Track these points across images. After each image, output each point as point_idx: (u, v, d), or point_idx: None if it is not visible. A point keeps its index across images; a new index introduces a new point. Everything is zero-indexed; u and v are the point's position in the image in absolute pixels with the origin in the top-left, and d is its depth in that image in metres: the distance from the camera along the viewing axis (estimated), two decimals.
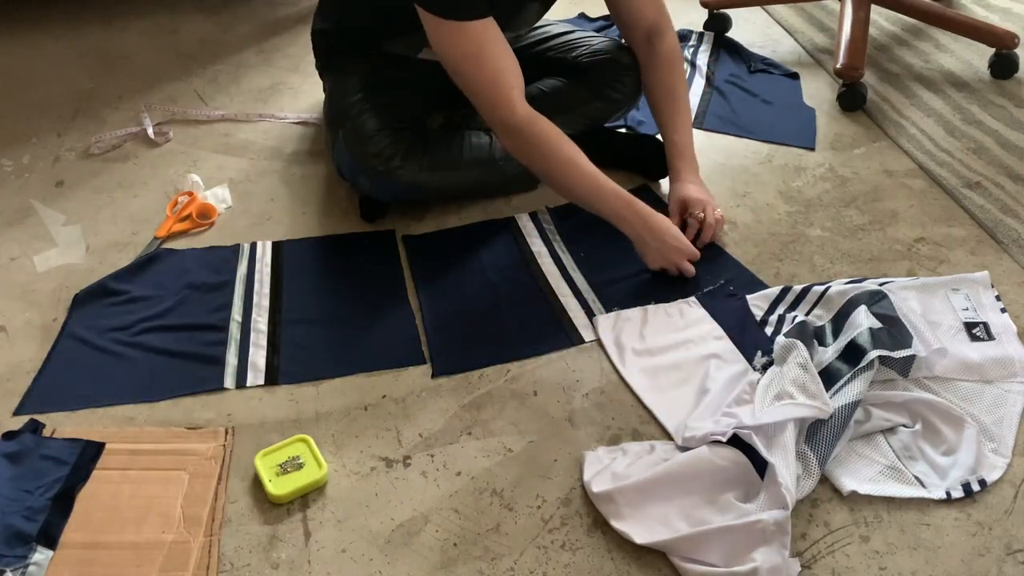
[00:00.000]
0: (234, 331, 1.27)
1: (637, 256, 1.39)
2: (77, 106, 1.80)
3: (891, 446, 1.09)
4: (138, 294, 1.33)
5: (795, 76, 1.90)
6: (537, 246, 1.42)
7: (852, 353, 1.13)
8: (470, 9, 1.19)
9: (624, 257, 1.39)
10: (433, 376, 1.20)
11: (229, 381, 1.20)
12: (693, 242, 1.34)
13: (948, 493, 1.04)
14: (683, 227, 1.37)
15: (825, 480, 1.06)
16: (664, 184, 1.56)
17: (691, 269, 1.32)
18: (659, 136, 1.50)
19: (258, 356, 1.23)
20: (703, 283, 1.34)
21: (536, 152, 1.28)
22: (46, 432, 1.11)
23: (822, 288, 1.29)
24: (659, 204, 1.51)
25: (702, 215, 1.36)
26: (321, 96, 1.68)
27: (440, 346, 1.24)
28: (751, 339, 1.23)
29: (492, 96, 1.25)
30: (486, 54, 1.23)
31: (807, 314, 1.27)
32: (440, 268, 1.38)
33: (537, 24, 1.60)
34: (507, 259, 1.40)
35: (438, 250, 1.42)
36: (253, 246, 1.43)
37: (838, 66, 1.77)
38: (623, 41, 1.55)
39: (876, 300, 1.21)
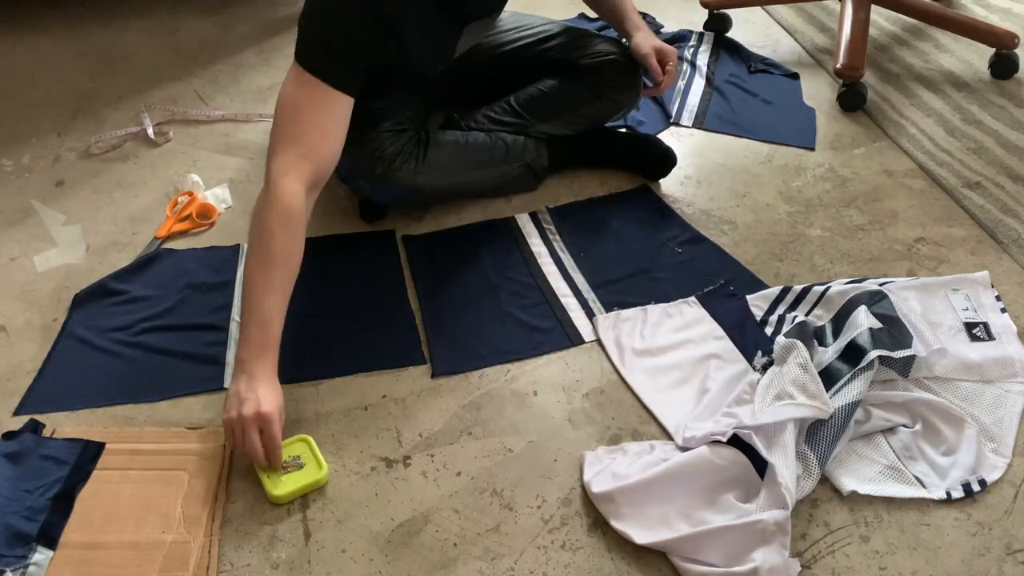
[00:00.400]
0: (234, 331, 1.27)
1: (637, 256, 1.40)
2: (77, 106, 1.80)
3: (891, 446, 1.09)
4: (138, 294, 1.33)
5: (795, 76, 1.90)
6: (537, 246, 1.42)
7: (852, 353, 1.13)
8: (330, 74, 1.17)
9: (624, 257, 1.39)
10: (433, 376, 1.20)
11: (229, 381, 1.19)
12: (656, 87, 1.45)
13: (948, 493, 1.04)
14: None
15: (825, 480, 1.06)
16: (664, 184, 1.56)
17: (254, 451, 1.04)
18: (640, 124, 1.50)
19: None
20: (703, 283, 1.34)
21: (256, 231, 1.12)
22: (46, 432, 1.11)
23: (822, 288, 1.29)
24: (659, 204, 1.51)
25: (671, 65, 1.44)
26: None
27: (440, 346, 1.24)
28: (751, 339, 1.23)
29: (278, 149, 1.15)
30: (309, 115, 1.16)
31: (807, 314, 1.27)
32: (440, 268, 1.38)
33: (537, 24, 1.60)
34: (507, 259, 1.40)
35: (438, 250, 1.42)
36: None
37: (838, 66, 1.77)
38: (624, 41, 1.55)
39: (876, 300, 1.21)
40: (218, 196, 1.53)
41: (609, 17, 1.59)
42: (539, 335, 1.26)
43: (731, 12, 2.07)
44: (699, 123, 1.74)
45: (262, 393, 1.04)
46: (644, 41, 1.48)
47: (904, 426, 1.11)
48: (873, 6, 1.92)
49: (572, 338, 1.26)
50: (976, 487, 1.04)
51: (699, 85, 1.86)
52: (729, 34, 2.06)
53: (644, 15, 2.11)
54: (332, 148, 1.20)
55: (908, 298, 1.26)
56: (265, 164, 1.16)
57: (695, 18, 2.12)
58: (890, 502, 1.04)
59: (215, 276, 1.36)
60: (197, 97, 1.84)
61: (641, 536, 0.98)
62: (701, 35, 2.05)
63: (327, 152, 1.19)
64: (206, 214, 1.49)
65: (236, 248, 1.42)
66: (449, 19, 1.35)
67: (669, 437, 1.11)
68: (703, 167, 1.62)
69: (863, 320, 1.16)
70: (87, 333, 1.26)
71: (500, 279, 1.36)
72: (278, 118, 1.18)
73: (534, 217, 1.48)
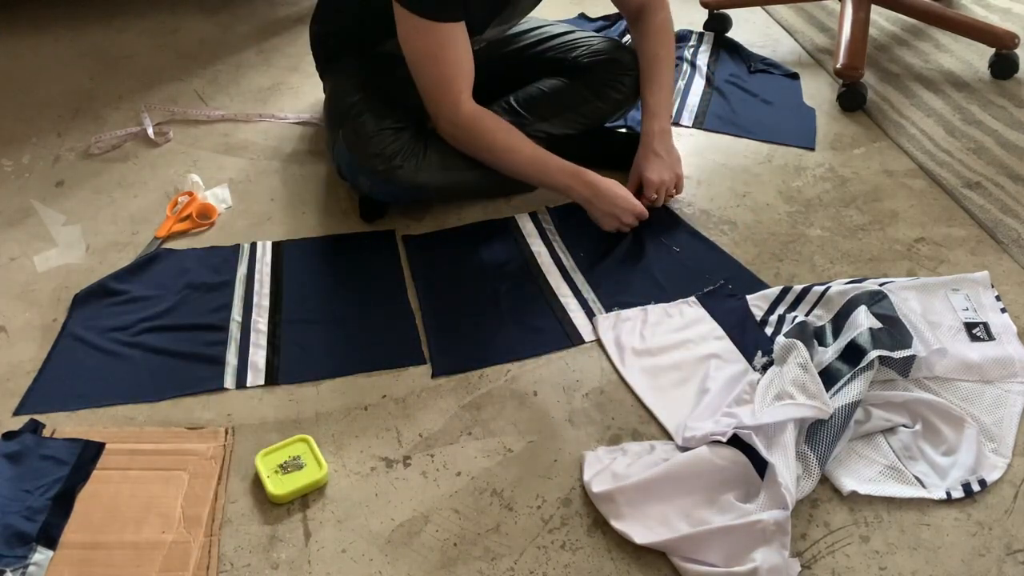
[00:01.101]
0: (234, 331, 1.27)
1: (636, 256, 1.40)
2: (77, 106, 1.80)
3: (891, 446, 1.09)
4: (138, 294, 1.33)
5: (795, 76, 1.90)
6: (537, 246, 1.42)
7: (852, 353, 1.13)
8: (441, 11, 1.24)
9: (624, 257, 1.39)
10: (433, 376, 1.20)
11: (229, 381, 1.20)
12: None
13: (948, 493, 1.04)
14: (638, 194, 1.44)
15: (825, 480, 1.06)
16: None
17: (637, 219, 1.39)
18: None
19: (258, 356, 1.23)
20: (703, 283, 1.34)
21: (479, 144, 1.36)
22: (46, 432, 1.11)
23: (822, 288, 1.29)
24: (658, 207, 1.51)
25: (655, 196, 1.44)
26: (321, 96, 1.68)
27: (440, 346, 1.24)
28: (751, 339, 1.23)
29: (440, 94, 1.33)
30: (446, 55, 1.29)
31: (807, 314, 1.27)
32: (440, 268, 1.38)
33: (537, 24, 1.60)
34: (507, 259, 1.40)
35: (438, 250, 1.42)
36: (253, 246, 1.43)
37: (838, 66, 1.77)
38: (625, 41, 1.55)
39: (876, 300, 1.21)
40: (218, 196, 1.53)
41: (640, 83, 1.53)
42: (539, 335, 1.26)
43: (731, 12, 2.07)
44: (699, 123, 1.74)
45: (617, 199, 1.37)
46: (637, 165, 1.46)
47: (904, 426, 1.11)
48: (873, 6, 1.92)
49: (572, 338, 1.26)
50: (976, 487, 1.04)
51: (699, 85, 1.86)
52: (729, 34, 2.06)
53: None
54: (469, 67, 1.33)
55: (908, 298, 1.26)
56: (428, 107, 1.36)
57: (695, 18, 2.12)
58: (890, 502, 1.04)
59: (215, 276, 1.36)
60: (197, 97, 1.84)
61: (641, 536, 0.98)
62: (701, 35, 2.05)
63: (468, 73, 1.33)
64: (206, 214, 1.49)
65: (236, 248, 1.42)
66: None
67: (669, 437, 1.11)
68: (703, 167, 1.62)
69: (863, 320, 1.16)
70: (87, 333, 1.26)
71: (500, 279, 1.36)
72: (418, 69, 1.32)
73: (534, 217, 1.48)
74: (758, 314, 1.28)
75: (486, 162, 1.38)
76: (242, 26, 2.12)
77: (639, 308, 1.29)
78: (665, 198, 1.46)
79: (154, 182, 1.59)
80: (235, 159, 1.65)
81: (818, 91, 1.85)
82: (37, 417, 1.14)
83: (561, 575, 0.97)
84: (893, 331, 1.15)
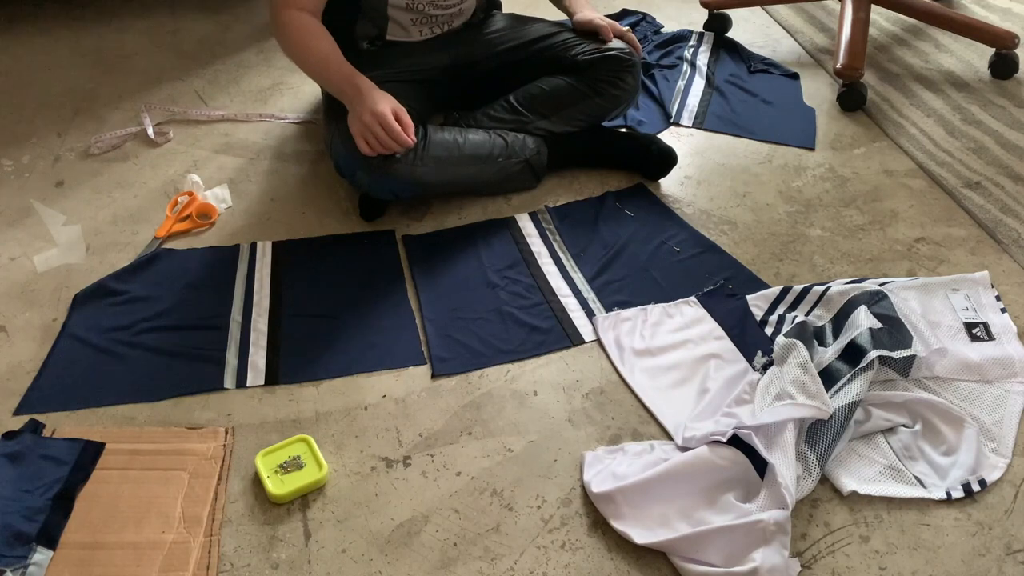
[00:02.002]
0: (234, 331, 1.27)
1: (637, 256, 1.40)
2: (77, 106, 1.80)
3: (891, 446, 1.09)
4: (138, 294, 1.33)
5: (795, 76, 1.90)
6: (537, 246, 1.42)
7: (852, 353, 1.13)
8: None
9: (624, 257, 1.39)
10: (433, 377, 1.20)
11: (229, 381, 1.20)
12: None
13: (948, 493, 1.04)
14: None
15: (825, 480, 1.06)
16: (664, 184, 1.56)
17: (388, 141, 1.32)
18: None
19: (258, 356, 1.23)
20: (703, 283, 1.34)
21: (289, 41, 1.39)
22: (46, 432, 1.11)
23: (822, 288, 1.29)
24: (658, 204, 1.51)
25: (601, 22, 1.52)
26: (321, 96, 1.68)
27: (440, 346, 1.24)
28: (751, 339, 1.23)
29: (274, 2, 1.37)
30: None
31: (807, 314, 1.27)
32: (439, 268, 1.38)
33: (534, 23, 1.60)
34: (507, 259, 1.40)
35: (438, 250, 1.42)
36: (253, 246, 1.43)
37: (838, 66, 1.77)
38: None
39: (876, 300, 1.21)
40: (218, 196, 1.53)
41: None
42: (539, 335, 1.26)
43: (731, 12, 2.07)
44: (699, 123, 1.74)
45: (369, 100, 1.31)
46: (590, 14, 1.56)
47: (904, 426, 1.11)
48: (873, 6, 1.92)
49: (572, 338, 1.26)
50: (976, 487, 1.04)
51: (699, 85, 1.86)
52: (729, 34, 2.06)
53: (643, 16, 2.11)
54: None
55: (908, 298, 1.26)
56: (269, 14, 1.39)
57: (695, 18, 2.12)
58: (890, 502, 1.04)
59: (215, 276, 1.36)
60: (197, 97, 1.84)
61: (641, 536, 0.98)
62: (701, 35, 2.05)
63: None
64: (206, 214, 1.49)
65: (236, 248, 1.42)
66: None
67: (669, 437, 1.11)
68: (703, 167, 1.62)
69: (863, 320, 1.16)
70: (87, 333, 1.26)
71: (500, 279, 1.36)
72: None
73: (534, 217, 1.48)
74: (758, 314, 1.28)
75: (293, 60, 1.42)
76: (242, 26, 2.12)
77: (639, 308, 1.29)
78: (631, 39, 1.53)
79: (154, 182, 1.59)
80: (235, 159, 1.65)
81: (818, 91, 1.85)
82: (37, 417, 1.14)
83: (561, 575, 0.97)
84: (893, 331, 1.15)
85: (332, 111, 1.46)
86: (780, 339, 1.19)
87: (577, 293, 1.33)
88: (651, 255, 1.40)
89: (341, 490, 1.06)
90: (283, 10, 1.38)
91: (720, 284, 1.33)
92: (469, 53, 1.56)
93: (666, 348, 1.23)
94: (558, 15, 1.66)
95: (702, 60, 1.94)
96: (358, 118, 1.31)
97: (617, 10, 2.14)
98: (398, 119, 1.31)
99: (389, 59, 1.50)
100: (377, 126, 1.29)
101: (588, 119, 1.55)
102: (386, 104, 1.31)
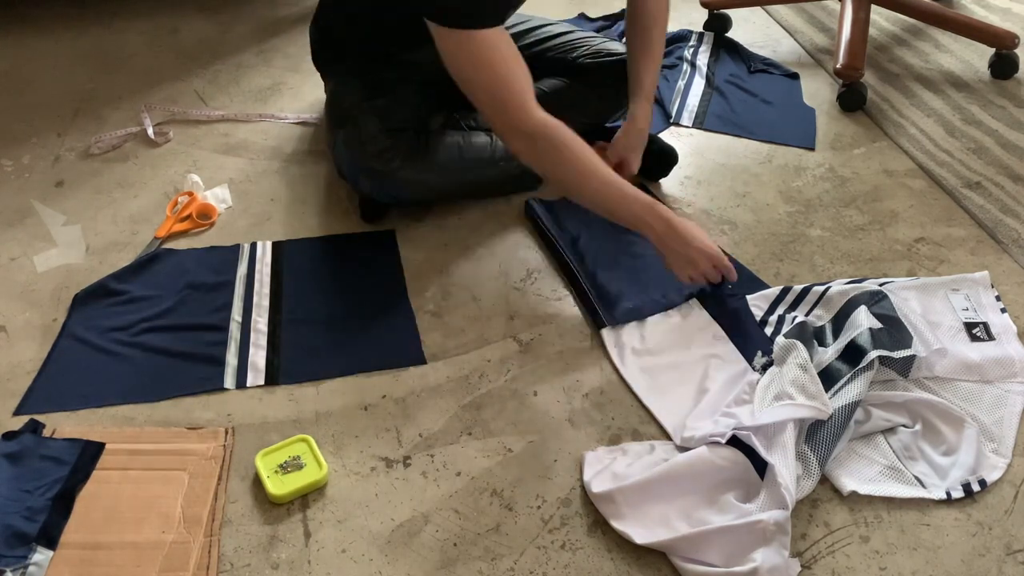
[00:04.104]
0: (234, 331, 1.27)
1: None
2: (77, 106, 1.80)
3: (891, 446, 1.09)
4: (138, 294, 1.33)
5: (795, 76, 1.90)
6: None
7: (852, 353, 1.13)
8: (487, 18, 1.16)
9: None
10: (601, 328, 1.25)
11: (229, 381, 1.20)
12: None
13: (948, 493, 1.04)
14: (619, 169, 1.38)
15: (825, 480, 1.06)
16: (664, 184, 1.56)
17: (717, 275, 1.25)
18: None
19: (258, 356, 1.23)
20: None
21: (552, 158, 1.22)
22: (46, 432, 1.11)
23: (822, 288, 1.29)
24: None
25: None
26: (321, 96, 1.68)
27: (604, 299, 1.29)
28: (751, 339, 1.23)
29: (506, 103, 1.20)
30: (500, 60, 1.18)
31: (807, 314, 1.27)
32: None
33: (537, 24, 1.60)
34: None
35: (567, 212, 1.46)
36: (253, 246, 1.43)
37: (838, 66, 1.77)
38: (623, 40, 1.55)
39: (876, 300, 1.21)
40: (218, 196, 1.53)
41: (630, 63, 1.48)
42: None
43: (731, 12, 2.07)
44: (699, 123, 1.74)
45: (695, 241, 1.22)
46: (627, 135, 1.43)
47: (904, 426, 1.11)
48: (873, 6, 1.92)
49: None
50: (976, 487, 1.04)
51: (699, 85, 1.86)
52: (729, 34, 2.06)
53: None
54: (522, 71, 1.21)
55: (908, 298, 1.26)
56: (494, 125, 1.25)
57: (695, 18, 2.12)
58: (890, 502, 1.04)
59: (215, 276, 1.36)
60: (197, 97, 1.84)
61: (641, 536, 0.98)
62: (701, 35, 2.05)
63: (523, 74, 1.21)
64: (206, 214, 1.49)
65: (236, 248, 1.42)
66: None
67: (669, 437, 1.11)
68: (703, 167, 1.62)
69: (863, 320, 1.16)
70: (87, 333, 1.26)
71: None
72: (477, 83, 1.19)
73: (533, 216, 1.48)
74: (758, 314, 1.28)
75: (553, 179, 1.28)
76: (242, 26, 2.12)
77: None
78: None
79: (154, 182, 1.59)
80: (235, 159, 1.65)
81: (818, 91, 1.85)
82: (37, 417, 1.14)
83: (561, 575, 0.97)
84: (893, 331, 1.15)
85: (334, 114, 1.46)
86: (780, 339, 1.19)
87: (580, 292, 1.33)
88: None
89: (341, 490, 1.06)
90: (531, 115, 1.20)
91: (720, 284, 1.33)
92: None
93: (666, 348, 1.23)
94: (559, 15, 1.65)
95: (702, 60, 1.94)
96: (684, 256, 1.22)
97: (617, 10, 2.14)
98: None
99: (393, 60, 1.50)
100: (708, 263, 1.22)
101: (589, 122, 1.54)
102: (701, 232, 1.24)
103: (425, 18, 1.16)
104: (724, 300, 1.30)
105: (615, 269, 1.35)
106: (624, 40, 1.51)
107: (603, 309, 1.28)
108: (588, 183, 1.22)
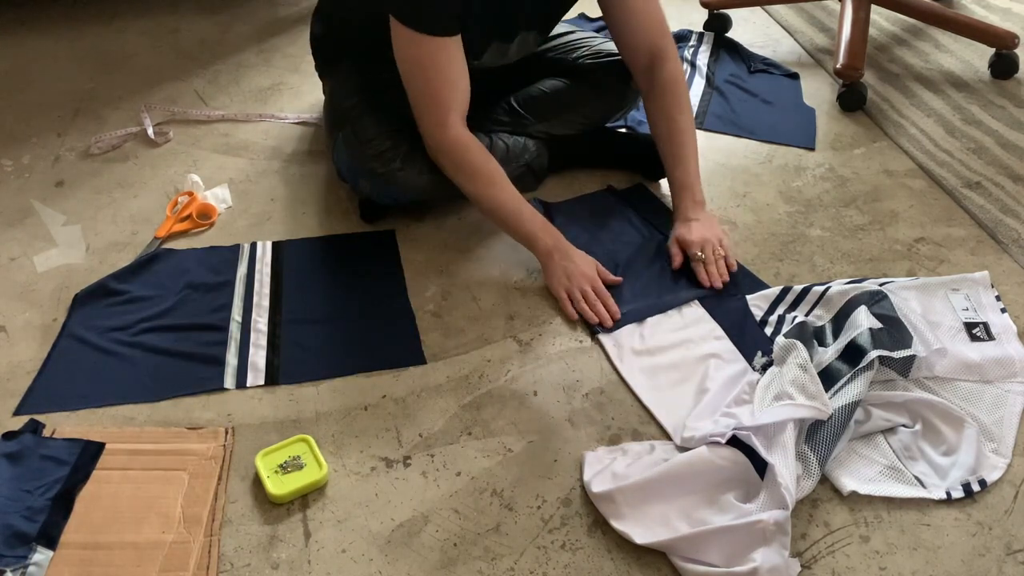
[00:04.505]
0: (234, 331, 1.27)
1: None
2: (77, 106, 1.80)
3: (891, 446, 1.09)
4: (138, 294, 1.33)
5: (795, 76, 1.90)
6: None
7: (852, 353, 1.13)
8: (435, 25, 1.21)
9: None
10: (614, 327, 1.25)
11: (229, 381, 1.20)
12: (709, 282, 1.31)
13: (948, 493, 1.04)
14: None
15: (825, 480, 1.06)
16: (664, 184, 1.56)
17: (593, 315, 1.26)
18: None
19: (258, 356, 1.23)
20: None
21: (460, 172, 1.32)
22: (46, 432, 1.11)
23: (822, 288, 1.29)
24: (658, 204, 1.51)
25: (700, 254, 1.32)
26: (321, 96, 1.68)
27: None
28: (751, 339, 1.23)
29: (427, 111, 1.28)
30: (437, 71, 1.25)
31: (807, 314, 1.27)
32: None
33: None
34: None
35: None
36: (253, 246, 1.43)
37: (838, 66, 1.77)
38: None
39: (876, 300, 1.21)
40: (218, 196, 1.53)
41: (660, 148, 1.44)
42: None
43: (731, 12, 2.07)
44: (699, 123, 1.74)
45: (578, 259, 1.31)
46: (675, 231, 1.37)
47: (904, 426, 1.11)
48: (873, 6, 1.92)
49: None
50: (976, 487, 1.04)
51: (699, 85, 1.86)
52: (729, 34, 2.06)
53: None
54: (463, 86, 1.29)
55: (908, 298, 1.26)
56: (417, 121, 1.31)
57: (695, 18, 2.12)
58: (890, 502, 1.04)
59: (215, 276, 1.36)
60: (197, 97, 1.84)
61: (641, 536, 0.98)
62: (701, 35, 2.05)
63: (462, 91, 1.29)
64: (206, 214, 1.49)
65: (236, 248, 1.42)
66: (506, 18, 1.34)
67: (669, 437, 1.11)
68: (703, 167, 1.60)
69: (863, 320, 1.16)
70: (87, 333, 1.26)
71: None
72: (409, 82, 1.28)
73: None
74: (758, 314, 1.28)
75: (463, 191, 1.33)
76: (242, 26, 2.12)
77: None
78: (717, 260, 1.33)
79: (154, 182, 1.59)
80: (235, 159, 1.65)
81: (818, 91, 1.85)
82: (37, 417, 1.14)
83: (561, 575, 0.97)
84: (893, 331, 1.15)
85: (333, 115, 1.46)
86: (780, 339, 1.19)
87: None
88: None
89: (341, 490, 1.06)
90: (447, 130, 1.28)
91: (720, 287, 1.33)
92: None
93: (665, 348, 1.23)
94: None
95: (702, 60, 1.94)
96: (563, 276, 1.29)
97: None
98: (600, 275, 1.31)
99: (394, 65, 1.50)
100: (591, 291, 1.28)
101: (589, 122, 1.54)
102: (592, 267, 1.31)
103: (386, 11, 1.22)
104: (724, 300, 1.30)
105: (613, 273, 1.34)
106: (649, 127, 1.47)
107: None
108: (493, 195, 1.32)
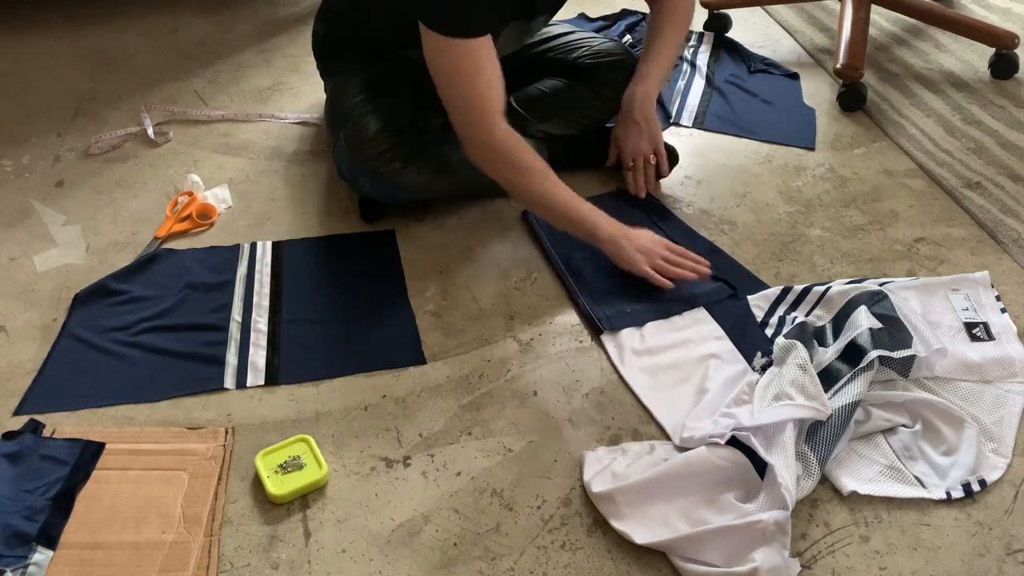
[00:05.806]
0: (234, 331, 1.27)
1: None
2: (77, 106, 1.80)
3: (891, 446, 1.09)
4: (138, 294, 1.33)
5: (795, 76, 1.90)
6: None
7: (852, 353, 1.13)
8: (472, 28, 1.18)
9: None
10: (601, 334, 1.25)
11: (229, 381, 1.20)
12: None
13: (948, 493, 1.04)
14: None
15: (825, 480, 1.06)
16: (664, 184, 1.56)
17: (691, 273, 1.30)
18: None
19: (258, 356, 1.23)
20: (702, 283, 1.33)
21: (513, 170, 1.29)
22: (46, 432, 1.11)
23: (822, 288, 1.29)
24: (659, 204, 1.51)
25: (631, 163, 1.42)
26: (321, 96, 1.68)
27: (599, 308, 1.29)
28: (751, 339, 1.23)
29: (473, 115, 1.25)
30: (480, 72, 1.22)
31: (807, 314, 1.27)
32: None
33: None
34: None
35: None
36: (253, 246, 1.43)
37: (838, 66, 1.77)
38: (625, 41, 1.54)
39: (876, 300, 1.21)
40: (218, 196, 1.53)
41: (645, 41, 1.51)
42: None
43: (731, 12, 2.07)
44: (699, 123, 1.74)
45: (641, 234, 1.31)
46: (615, 128, 1.46)
47: (904, 426, 1.11)
48: (873, 6, 1.92)
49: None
50: (976, 487, 1.04)
51: (699, 85, 1.86)
52: (729, 34, 2.06)
53: (643, 16, 2.11)
54: (498, 83, 1.26)
55: (908, 298, 1.26)
56: (458, 130, 1.28)
57: (695, 18, 2.11)
58: (890, 502, 1.04)
59: (215, 276, 1.36)
60: (197, 97, 1.84)
61: (641, 536, 0.98)
62: (701, 35, 2.05)
63: (498, 89, 1.26)
64: (206, 214, 1.49)
65: (236, 248, 1.42)
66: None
67: (668, 437, 1.11)
68: (703, 167, 1.62)
69: (863, 320, 1.16)
70: (87, 333, 1.26)
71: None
72: (450, 88, 1.25)
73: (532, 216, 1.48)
74: (759, 315, 1.28)
75: (512, 188, 1.32)
76: (242, 26, 2.12)
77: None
78: (647, 176, 1.43)
79: (154, 182, 1.59)
80: (235, 159, 1.65)
81: (818, 91, 1.85)
82: (37, 417, 1.14)
83: (561, 575, 0.97)
84: (893, 331, 1.15)
85: (334, 115, 1.46)
86: (780, 340, 1.19)
87: (577, 294, 1.33)
88: None
89: (341, 490, 1.06)
90: (495, 130, 1.26)
91: (720, 284, 1.33)
92: None
93: (665, 348, 1.23)
94: (559, 15, 1.65)
95: (702, 60, 1.94)
96: (639, 253, 1.29)
97: (617, 10, 2.14)
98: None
99: (393, 59, 1.50)
100: (672, 255, 1.30)
101: (588, 122, 1.54)
102: (654, 236, 1.33)
103: (419, 20, 1.19)
104: (724, 300, 1.30)
105: (614, 276, 1.34)
106: (626, 40, 1.51)
107: (600, 317, 1.27)
108: (547, 191, 1.29)
